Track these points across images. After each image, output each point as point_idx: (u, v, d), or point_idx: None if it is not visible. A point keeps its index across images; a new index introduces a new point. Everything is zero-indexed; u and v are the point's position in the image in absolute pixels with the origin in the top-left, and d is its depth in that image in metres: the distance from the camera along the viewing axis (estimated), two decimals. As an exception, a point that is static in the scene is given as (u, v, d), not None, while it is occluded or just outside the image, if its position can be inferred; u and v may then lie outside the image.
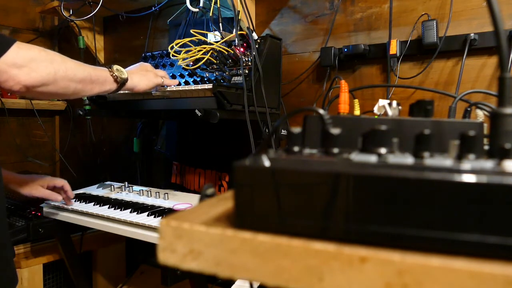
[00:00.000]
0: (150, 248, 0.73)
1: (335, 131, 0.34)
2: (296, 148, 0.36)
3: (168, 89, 1.19)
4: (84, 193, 1.47)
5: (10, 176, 1.23)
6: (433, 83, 1.21)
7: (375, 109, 0.53)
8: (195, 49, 1.25)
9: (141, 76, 1.11)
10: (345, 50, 1.30)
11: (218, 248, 0.31)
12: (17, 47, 0.81)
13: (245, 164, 0.31)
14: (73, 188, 1.36)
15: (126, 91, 1.13)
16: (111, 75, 1.01)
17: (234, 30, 1.25)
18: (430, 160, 0.31)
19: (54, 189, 1.28)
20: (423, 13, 1.20)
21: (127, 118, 1.94)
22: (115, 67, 1.03)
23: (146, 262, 1.70)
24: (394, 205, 0.27)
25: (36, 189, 1.24)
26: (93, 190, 1.52)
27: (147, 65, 1.20)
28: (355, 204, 0.28)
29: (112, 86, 1.02)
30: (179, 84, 1.23)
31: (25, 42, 0.84)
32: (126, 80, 1.04)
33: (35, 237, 1.42)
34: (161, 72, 1.21)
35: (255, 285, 0.52)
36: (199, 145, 1.67)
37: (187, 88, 1.15)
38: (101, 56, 2.08)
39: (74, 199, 1.36)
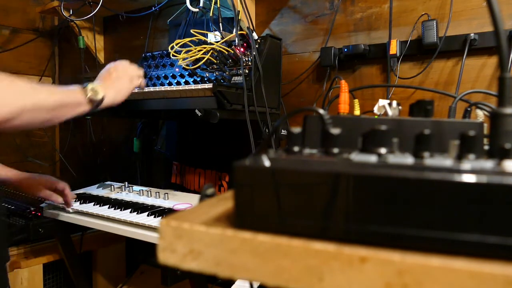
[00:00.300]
0: (150, 248, 0.73)
1: (335, 131, 0.34)
2: (296, 148, 0.36)
3: (169, 88, 1.19)
4: (84, 193, 1.46)
5: (11, 172, 1.23)
6: (433, 83, 1.21)
7: (375, 109, 0.53)
8: (195, 49, 1.25)
9: (116, 87, 1.04)
10: (345, 50, 1.30)
11: (218, 248, 0.31)
12: None
13: (245, 164, 0.31)
14: (73, 188, 1.36)
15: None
16: (85, 97, 0.94)
17: (234, 30, 1.25)
18: (430, 160, 0.31)
19: (55, 191, 1.29)
20: (423, 13, 1.20)
21: (127, 118, 1.94)
22: (90, 86, 0.95)
23: (146, 262, 1.70)
24: (394, 205, 0.27)
25: (38, 189, 1.25)
26: (93, 190, 1.52)
27: (119, 67, 1.09)
28: (355, 204, 0.28)
29: (86, 107, 0.95)
30: (179, 83, 1.22)
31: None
32: (101, 101, 0.97)
33: (35, 237, 1.42)
34: (135, 70, 1.11)
35: (255, 285, 0.52)
36: (199, 145, 1.67)
37: (187, 88, 1.15)
38: (101, 56, 2.08)
39: (74, 200, 1.35)
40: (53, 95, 0.87)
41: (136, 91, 1.16)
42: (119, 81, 1.06)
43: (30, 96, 0.82)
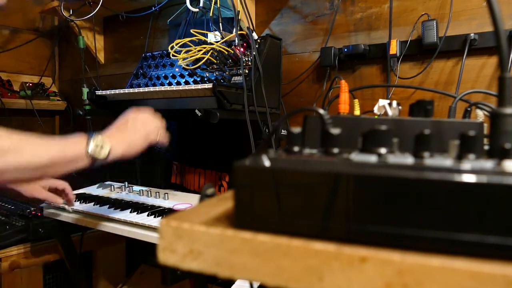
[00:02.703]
0: (150, 248, 0.73)
1: (335, 131, 0.34)
2: (296, 148, 0.36)
3: (169, 88, 1.19)
4: (84, 193, 1.46)
5: None
6: (433, 83, 1.21)
7: (375, 109, 0.53)
8: (195, 49, 1.25)
9: (128, 142, 0.93)
10: (345, 50, 1.30)
11: (218, 248, 0.31)
12: None
13: (245, 164, 0.31)
14: (73, 188, 1.35)
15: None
16: (86, 151, 0.84)
17: (234, 30, 1.25)
18: (430, 160, 0.31)
19: (55, 191, 1.28)
20: (423, 13, 1.20)
21: (127, 118, 1.94)
22: (96, 141, 0.85)
23: (146, 262, 1.70)
24: (394, 205, 0.27)
25: (38, 190, 1.24)
26: (93, 190, 1.52)
27: (138, 120, 0.98)
28: (355, 204, 0.28)
29: (84, 163, 0.85)
30: (179, 83, 1.22)
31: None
32: (104, 159, 0.87)
33: (35, 237, 1.42)
34: (155, 125, 1.00)
35: (255, 285, 0.52)
36: (199, 145, 1.67)
37: (187, 88, 1.15)
38: (101, 56, 2.08)
39: (74, 200, 1.35)
40: (44, 153, 0.79)
41: (136, 90, 1.15)
42: (133, 134, 0.95)
43: (14, 156, 0.75)
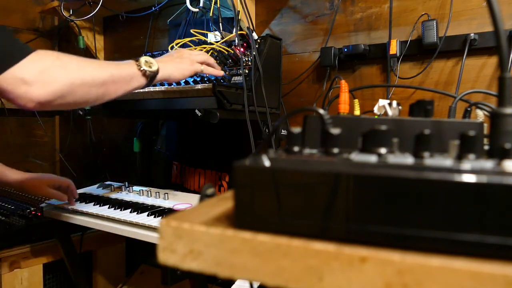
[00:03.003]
0: (150, 248, 0.73)
1: (335, 131, 0.34)
2: (296, 148, 0.36)
3: (169, 88, 1.19)
4: (84, 193, 1.46)
5: (14, 173, 1.23)
6: (433, 83, 1.21)
7: (375, 109, 0.53)
8: (195, 49, 1.25)
9: (175, 65, 0.99)
10: (345, 50, 1.30)
11: (218, 248, 0.31)
12: (29, 59, 0.73)
13: (245, 164, 0.31)
14: (73, 188, 1.36)
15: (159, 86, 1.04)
16: (139, 70, 0.90)
17: (234, 30, 1.25)
18: (430, 160, 0.31)
19: (59, 189, 1.28)
20: (423, 13, 1.20)
21: (127, 118, 1.94)
22: (143, 59, 0.91)
23: (146, 262, 1.70)
24: (394, 205, 0.27)
25: (42, 188, 1.24)
26: (93, 190, 1.52)
27: (183, 51, 1.06)
28: (355, 204, 0.28)
29: (141, 81, 0.91)
30: (179, 83, 1.22)
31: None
32: (156, 72, 0.92)
33: (35, 237, 1.42)
34: (199, 56, 1.06)
35: (255, 285, 0.52)
36: (199, 145, 1.67)
37: (187, 88, 1.15)
38: (101, 56, 2.08)
39: (76, 198, 1.36)
40: (103, 68, 0.84)
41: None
42: (179, 60, 1.01)
43: (78, 71, 0.79)
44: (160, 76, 0.94)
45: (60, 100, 0.77)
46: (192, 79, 1.27)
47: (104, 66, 0.86)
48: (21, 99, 0.73)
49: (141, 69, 0.90)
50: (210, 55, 1.25)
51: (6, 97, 0.73)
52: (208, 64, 1.08)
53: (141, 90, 1.24)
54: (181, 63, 1.01)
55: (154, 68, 0.92)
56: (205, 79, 1.27)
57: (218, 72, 1.09)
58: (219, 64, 1.27)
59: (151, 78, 0.92)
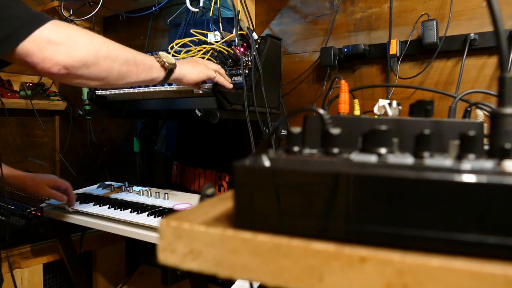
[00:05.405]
0: (150, 248, 0.73)
1: (335, 131, 0.34)
2: (296, 148, 0.36)
3: (169, 88, 1.19)
4: (84, 193, 1.46)
5: (14, 173, 1.24)
6: (433, 83, 1.21)
7: (375, 109, 0.53)
8: (195, 49, 1.25)
9: (191, 66, 1.01)
10: (345, 50, 1.30)
11: (218, 248, 0.31)
12: (53, 23, 0.72)
13: (245, 164, 0.31)
14: (74, 188, 1.36)
15: (175, 84, 1.07)
16: (158, 61, 0.91)
17: (234, 30, 1.25)
18: (430, 160, 0.31)
19: (58, 190, 1.29)
20: (423, 13, 1.20)
21: (127, 118, 1.94)
22: (161, 53, 0.93)
23: (146, 262, 1.70)
24: (394, 205, 0.27)
25: (43, 188, 1.25)
26: (93, 190, 1.52)
27: (198, 59, 1.09)
28: (355, 204, 0.28)
29: (160, 73, 0.92)
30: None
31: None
32: (174, 66, 0.94)
33: (35, 237, 1.42)
34: (213, 65, 1.08)
35: (255, 285, 0.52)
36: (199, 145, 1.67)
37: (187, 88, 1.15)
38: (101, 56, 2.08)
39: (75, 200, 1.36)
40: (127, 50, 0.85)
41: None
42: (193, 64, 1.03)
43: (103, 43, 0.79)
44: (177, 72, 0.95)
45: (84, 69, 0.75)
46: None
47: (127, 48, 0.86)
48: (46, 61, 0.70)
49: (160, 61, 0.92)
50: (210, 55, 1.25)
51: (30, 61, 0.70)
52: (220, 74, 1.09)
53: (141, 90, 1.24)
54: (197, 66, 1.03)
55: (172, 62, 0.93)
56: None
57: (228, 84, 1.10)
58: (219, 64, 1.27)
59: (169, 71, 0.93)
